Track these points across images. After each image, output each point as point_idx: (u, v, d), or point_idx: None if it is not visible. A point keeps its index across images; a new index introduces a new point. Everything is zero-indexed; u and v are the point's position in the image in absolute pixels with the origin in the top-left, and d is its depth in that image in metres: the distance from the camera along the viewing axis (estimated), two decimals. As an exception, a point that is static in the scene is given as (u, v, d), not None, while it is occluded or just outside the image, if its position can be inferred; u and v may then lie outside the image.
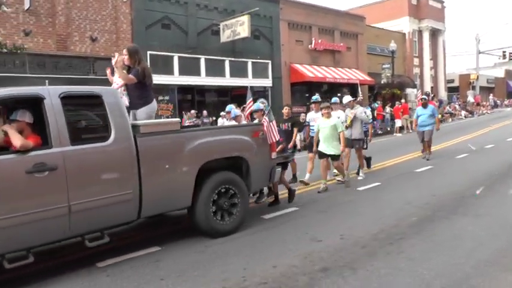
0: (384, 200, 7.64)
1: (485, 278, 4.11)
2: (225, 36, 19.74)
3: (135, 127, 5.34)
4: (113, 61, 5.99)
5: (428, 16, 37.51)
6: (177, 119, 6.05)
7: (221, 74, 20.60)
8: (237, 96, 20.98)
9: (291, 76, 23.83)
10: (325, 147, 8.78)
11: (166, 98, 18.84)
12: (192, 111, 18.28)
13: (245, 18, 18.83)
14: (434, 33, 39.35)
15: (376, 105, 26.38)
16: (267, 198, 8.00)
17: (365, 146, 10.51)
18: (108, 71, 6.44)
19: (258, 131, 6.60)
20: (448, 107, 33.98)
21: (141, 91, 5.93)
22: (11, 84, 13.75)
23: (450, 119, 31.48)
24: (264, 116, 6.96)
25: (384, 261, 4.59)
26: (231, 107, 9.06)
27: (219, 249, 5.39)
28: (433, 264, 4.45)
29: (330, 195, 8.32)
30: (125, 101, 5.88)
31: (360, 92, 23.57)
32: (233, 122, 8.38)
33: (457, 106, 36.50)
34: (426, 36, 37.81)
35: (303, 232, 5.88)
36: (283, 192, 7.93)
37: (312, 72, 24.16)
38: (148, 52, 17.78)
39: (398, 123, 23.95)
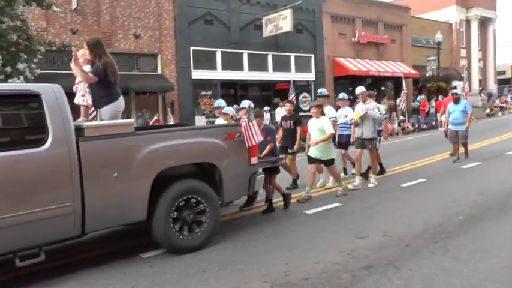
0: (429, 197, 7.43)
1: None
2: (268, 30, 19.76)
3: (79, 130, 4.76)
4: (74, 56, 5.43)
5: (477, 4, 35.74)
6: (131, 120, 5.20)
7: (264, 68, 20.65)
8: (280, 90, 21.02)
9: (334, 70, 23.60)
10: (314, 151, 7.79)
11: (209, 93, 19.10)
12: (235, 106, 18.40)
13: (288, 12, 18.77)
14: (484, 23, 37.55)
15: (419, 98, 25.73)
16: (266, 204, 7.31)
17: (370, 146, 9.21)
18: (72, 64, 5.54)
19: (233, 133, 5.75)
20: (497, 101, 32.59)
21: (104, 89, 5.40)
22: (59, 80, 14.39)
23: (500, 113, 30.18)
24: (243, 116, 6.02)
25: (429, 261, 4.46)
26: (220, 102, 8.33)
27: (260, 243, 5.42)
28: (481, 266, 4.28)
29: (374, 191, 8.18)
30: (88, 99, 5.51)
31: (405, 86, 23.15)
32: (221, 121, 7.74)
33: (509, 99, 34.90)
34: (475, 25, 36.17)
35: (346, 228, 5.83)
36: (277, 200, 7.17)
37: (355, 65, 23.82)
38: (191, 48, 18.09)
39: (443, 117, 23.18)
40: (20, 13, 10.91)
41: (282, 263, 4.65)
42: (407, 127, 22.06)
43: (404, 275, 4.14)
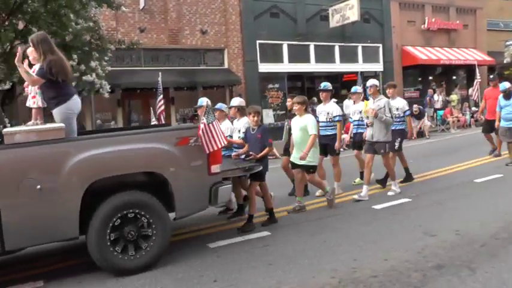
0: (506, 194, 7.00)
1: None
2: (334, 21, 19.45)
3: None
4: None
5: None
6: (60, 124, 4.67)
7: (331, 60, 20.38)
8: (347, 82, 20.66)
9: (402, 59, 22.75)
10: (296, 155, 6.85)
11: (276, 86, 19.18)
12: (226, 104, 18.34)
13: (354, 2, 18.33)
14: None
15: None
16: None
17: (397, 147, 8.27)
18: (21, 63, 4.86)
19: (187, 137, 4.98)
20: None
21: (53, 90, 4.89)
22: (127, 76, 15.10)
23: None
24: (202, 117, 5.20)
25: (508, 264, 4.20)
26: (202, 101, 7.27)
27: (328, 238, 5.39)
28: None
29: (445, 186, 7.86)
30: (38, 101, 5.02)
31: (478, 74, 21.90)
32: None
33: None
34: None
35: (415, 225, 5.65)
36: (278, 210, 6.49)
37: (425, 54, 22.82)
38: (258, 41, 18.23)
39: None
40: (92, 15, 11.57)
41: (349, 259, 4.60)
42: (481, 118, 20.86)
43: (479, 278, 3.93)
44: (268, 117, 18.76)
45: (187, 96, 17.24)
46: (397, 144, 8.24)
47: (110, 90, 12.69)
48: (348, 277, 4.15)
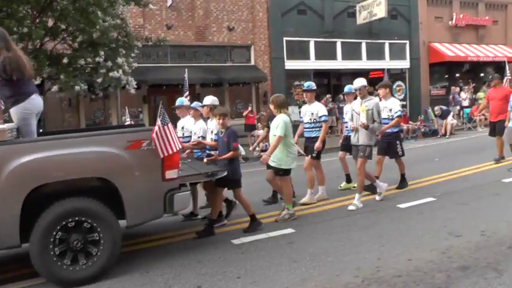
0: (536, 195, 6.90)
1: None
2: (362, 17, 19.38)
3: None
4: None
5: None
6: (2, 126, 4.37)
7: (357, 57, 20.35)
8: (374, 79, 20.51)
9: (429, 56, 22.52)
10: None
11: (302, 83, 19.12)
12: (328, 96, 18.35)
13: (382, -2, 18.20)
14: None
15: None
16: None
17: (400, 153, 7.82)
18: None
19: (140, 141, 4.68)
20: None
21: (9, 88, 4.67)
22: (154, 72, 15.32)
23: None
24: (158, 119, 4.80)
25: (536, 266, 4.15)
26: (182, 101, 7.37)
27: (353, 237, 5.41)
28: None
29: (471, 186, 7.77)
30: None
31: (508, 71, 21.36)
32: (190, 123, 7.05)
33: None
34: None
35: (440, 225, 5.62)
36: (262, 216, 6.28)
37: (452, 51, 22.46)
38: (284, 38, 18.31)
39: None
40: (120, 12, 11.78)
41: (374, 258, 4.62)
42: (475, 116, 20.39)
43: (506, 281, 3.87)
44: (294, 114, 18.70)
45: (213, 93, 17.01)
46: (399, 151, 7.78)
47: (136, 87, 12.92)
48: (371, 276, 4.16)
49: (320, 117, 7.41)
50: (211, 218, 6.00)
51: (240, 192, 6.01)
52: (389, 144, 7.74)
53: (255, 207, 6.33)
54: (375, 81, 19.94)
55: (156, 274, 4.59)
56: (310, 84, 7.73)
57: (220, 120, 5.98)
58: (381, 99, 7.82)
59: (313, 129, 7.46)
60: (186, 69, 14.21)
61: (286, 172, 6.42)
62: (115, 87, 12.31)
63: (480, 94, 22.12)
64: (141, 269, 4.74)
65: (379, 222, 5.96)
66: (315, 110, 7.46)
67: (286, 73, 18.49)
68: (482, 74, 25.35)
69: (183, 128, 7.26)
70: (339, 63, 19.87)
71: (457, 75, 24.06)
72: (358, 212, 6.56)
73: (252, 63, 17.99)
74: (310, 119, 7.52)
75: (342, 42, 19.75)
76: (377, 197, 7.16)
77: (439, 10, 23.07)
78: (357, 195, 6.83)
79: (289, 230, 5.79)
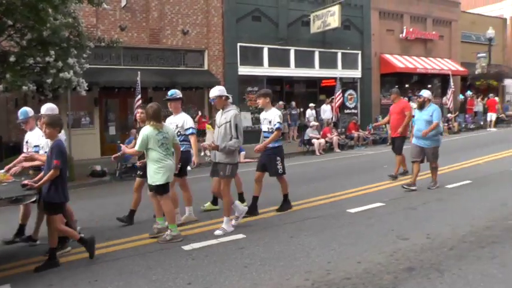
0: (476, 199, 7.25)
1: None
2: (316, 27, 19.69)
3: None
4: None
5: (536, -2, 34.05)
6: None
7: (310, 65, 20.63)
8: (326, 87, 20.94)
9: (380, 67, 23.23)
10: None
11: (256, 89, 19.23)
12: (280, 102, 18.53)
13: (336, 8, 18.62)
14: (542, 18, 35.62)
15: (462, 97, 24.92)
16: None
17: (280, 170, 6.90)
18: None
19: None
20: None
21: None
22: (106, 74, 14.93)
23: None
24: None
25: (474, 266, 4.38)
26: (26, 112, 6.41)
27: (303, 241, 5.45)
28: (532, 273, 4.14)
29: (419, 192, 8.03)
30: None
31: (452, 83, 22.47)
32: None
33: None
34: (532, 21, 34.37)
35: (388, 229, 5.78)
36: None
37: (402, 62, 23.34)
38: (239, 44, 18.30)
39: (492, 116, 22.44)
40: (72, 10, 11.38)
41: (324, 261, 4.68)
42: (454, 126, 21.45)
43: (447, 280, 4.08)
44: (246, 120, 18.85)
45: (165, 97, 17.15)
46: (279, 167, 6.86)
47: (87, 88, 12.51)
48: (321, 279, 4.21)
49: (274, 125, 6.83)
50: (51, 247, 5.04)
51: (54, 221, 4.97)
52: (269, 161, 6.89)
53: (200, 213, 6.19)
54: (327, 89, 20.44)
55: (106, 282, 4.46)
56: (174, 92, 6.89)
57: (47, 130, 5.02)
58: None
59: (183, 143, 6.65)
60: (139, 72, 13.95)
61: (164, 189, 5.79)
62: (65, 89, 11.79)
63: (273, 114, 23.03)
64: (89, 278, 4.58)
65: (329, 227, 6.04)
66: (272, 116, 6.89)
67: (240, 79, 18.50)
68: (429, 85, 26.46)
69: (27, 142, 6.26)
70: (292, 71, 20.11)
71: (407, 85, 24.99)
72: (308, 217, 6.60)
73: (206, 68, 17.88)
74: (268, 128, 6.96)
75: (296, 50, 19.98)
76: (233, 221, 6.17)
77: (391, 23, 23.92)
78: (225, 219, 6.02)
79: (240, 236, 5.77)
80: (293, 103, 19.28)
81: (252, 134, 18.26)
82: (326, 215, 6.71)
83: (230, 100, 6.41)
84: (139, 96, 13.78)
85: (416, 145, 8.22)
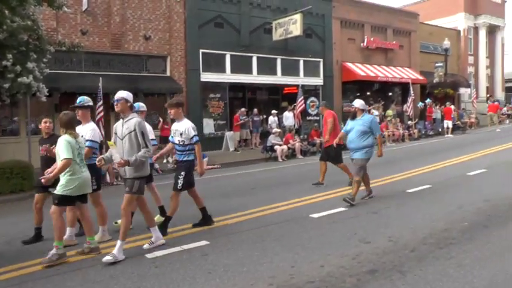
0: (435, 203, 7.45)
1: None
2: (278, 34, 19.84)
3: None
4: None
5: (485, 12, 35.76)
6: None
7: (273, 72, 20.74)
8: (288, 94, 21.11)
9: (342, 75, 23.66)
10: None
11: (218, 95, 19.25)
12: (243, 109, 18.53)
13: (298, 17, 18.84)
14: (492, 30, 37.49)
15: (421, 104, 25.72)
16: None
17: (180, 185, 6.26)
18: None
19: None
20: (504, 108, 32.53)
21: None
22: (68, 80, 14.52)
23: (507, 121, 30.23)
24: None
25: (433, 267, 4.50)
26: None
27: (267, 246, 5.45)
28: (485, 273, 4.31)
29: (380, 196, 8.18)
30: None
31: (412, 92, 23.16)
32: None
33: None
34: (483, 33, 36.10)
35: (351, 232, 5.86)
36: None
37: (363, 71, 23.86)
38: (201, 50, 18.21)
39: (448, 124, 23.24)
40: (31, 13, 11.02)
41: (287, 266, 4.68)
42: (414, 133, 22.06)
43: (409, 281, 4.17)
44: (208, 126, 18.77)
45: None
46: (180, 182, 6.22)
47: (47, 94, 12.14)
48: (285, 284, 4.21)
49: (191, 138, 6.27)
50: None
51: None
52: (176, 172, 6.47)
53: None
54: (290, 96, 20.63)
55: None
56: (83, 99, 6.39)
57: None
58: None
59: (184, 153, 6.35)
60: (101, 78, 13.65)
61: (67, 201, 5.45)
62: (24, 94, 11.36)
63: (388, 112, 23.75)
64: None
65: (293, 232, 6.06)
66: (184, 128, 6.29)
67: (202, 85, 18.40)
68: (390, 93, 27.20)
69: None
70: (254, 78, 20.16)
71: (368, 93, 25.56)
72: (272, 223, 6.60)
73: (168, 74, 17.67)
74: (179, 141, 6.35)
75: (258, 57, 20.07)
76: (145, 246, 5.64)
77: (352, 32, 24.45)
78: (118, 243, 5.25)
79: (204, 242, 5.69)
80: (255, 110, 19.33)
81: (214, 141, 18.30)
82: (289, 220, 6.72)
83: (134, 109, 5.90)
84: (101, 102, 13.48)
85: (351, 158, 7.95)
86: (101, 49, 15.91)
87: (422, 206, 7.30)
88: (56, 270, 4.95)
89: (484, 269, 4.40)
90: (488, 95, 35.58)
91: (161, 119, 16.33)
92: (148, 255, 5.28)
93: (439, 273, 4.32)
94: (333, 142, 9.23)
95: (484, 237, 5.45)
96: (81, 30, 15.42)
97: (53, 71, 13.35)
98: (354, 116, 8.07)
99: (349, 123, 8.12)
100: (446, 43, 27.61)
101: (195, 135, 6.30)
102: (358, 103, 8.12)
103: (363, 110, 8.05)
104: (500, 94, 38.34)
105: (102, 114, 13.53)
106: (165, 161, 15.37)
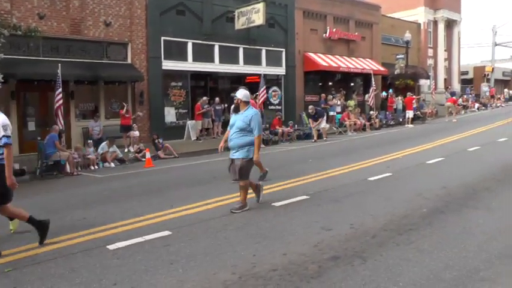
0: (395, 190, 7.62)
1: (497, 271, 4.10)
2: (240, 23, 19.69)
3: None
4: None
5: (444, 6, 36.94)
6: None
7: (235, 61, 20.60)
8: (250, 83, 21.05)
9: (304, 65, 23.77)
10: None
11: (180, 84, 18.97)
12: (204, 98, 18.35)
13: (260, 6, 18.74)
14: (450, 24, 38.75)
15: (384, 94, 26.34)
16: None
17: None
18: None
19: None
20: (460, 100, 33.74)
21: None
22: (24, 66, 13.93)
23: (463, 111, 31.35)
24: None
25: (393, 252, 4.60)
26: None
27: (229, 236, 5.42)
28: (442, 256, 4.45)
29: (341, 184, 8.29)
30: None
31: (373, 82, 23.61)
32: None
33: (470, 98, 36.24)
34: (441, 27, 37.25)
35: (313, 221, 5.89)
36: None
37: (325, 61, 24.06)
38: (162, 38, 17.85)
39: (409, 114, 23.85)
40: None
41: (250, 255, 4.68)
42: (375, 123, 22.51)
43: (369, 266, 4.24)
44: (170, 115, 18.52)
45: (88, 91, 16.38)
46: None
47: (2, 80, 11.63)
48: (248, 272, 4.21)
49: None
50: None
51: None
52: None
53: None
54: (252, 85, 20.60)
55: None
56: None
57: None
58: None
59: None
60: (60, 64, 13.19)
61: None
62: (-23, 80, 10.88)
63: (350, 102, 24.13)
64: (7, 285, 4.24)
65: (255, 221, 6.05)
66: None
67: (163, 73, 18.07)
68: (352, 84, 27.62)
69: None
70: (217, 66, 19.97)
71: (330, 83, 25.85)
72: (234, 212, 6.55)
73: (129, 61, 17.22)
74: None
75: (220, 46, 19.87)
76: None
77: (315, 23, 24.59)
78: None
79: (166, 233, 5.62)
80: (217, 99, 19.19)
81: (176, 130, 18.08)
82: (251, 209, 6.70)
83: None
84: (60, 89, 13.04)
85: (230, 158, 6.76)
86: (59, 34, 15.31)
87: (383, 193, 7.44)
88: (14, 264, 4.76)
89: (441, 252, 4.55)
90: (447, 87, 36.82)
91: (125, 105, 15.89)
92: (110, 247, 5.16)
93: (398, 257, 4.42)
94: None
95: (441, 222, 5.63)
96: (38, 14, 14.76)
97: (9, 57, 12.78)
98: (236, 109, 6.90)
99: (232, 118, 6.93)
100: (408, 36, 28.23)
101: (5, 136, 4.94)
102: (241, 94, 6.75)
103: (246, 103, 6.72)
104: (456, 86, 39.73)
105: (61, 102, 13.11)
106: (126, 150, 15.08)
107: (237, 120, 6.65)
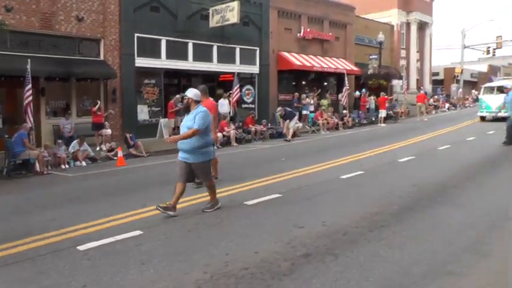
0: (367, 188, 7.72)
1: (463, 265, 4.21)
2: (214, 21, 19.56)
3: None
4: None
5: (416, 9, 37.81)
6: None
7: (209, 59, 20.45)
8: (224, 82, 20.96)
9: (278, 64, 23.80)
10: None
11: (153, 81, 18.72)
12: (178, 96, 18.17)
13: (235, 4, 18.64)
14: (422, 26, 39.66)
15: (358, 93, 26.66)
16: None
17: None
18: None
19: None
20: (431, 100, 34.54)
21: None
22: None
23: (434, 111, 32.09)
24: None
25: (365, 248, 4.66)
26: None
27: (202, 235, 5.39)
28: (412, 251, 4.54)
29: (313, 182, 8.35)
30: None
31: (347, 82, 23.88)
32: None
33: (441, 98, 37.14)
34: (414, 28, 38.08)
35: (285, 218, 5.92)
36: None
37: (299, 60, 24.16)
38: (136, 34, 17.58)
39: (382, 113, 24.22)
40: None
41: (222, 254, 4.66)
42: (348, 122, 22.77)
43: (341, 262, 4.29)
44: (143, 113, 18.30)
45: (59, 88, 15.98)
46: None
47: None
48: (220, 271, 4.19)
49: None
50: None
51: None
52: None
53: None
54: (225, 83, 20.56)
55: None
56: None
57: None
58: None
59: None
60: (29, 60, 12.82)
61: None
62: None
63: (323, 101, 24.31)
64: None
65: (227, 219, 6.03)
66: None
67: (137, 71, 17.78)
68: (325, 83, 27.85)
69: None
70: (190, 64, 19.78)
71: (304, 82, 26.01)
72: (206, 211, 6.49)
73: (102, 58, 16.87)
74: None
75: (194, 44, 19.69)
76: None
77: (289, 22, 24.67)
78: None
79: (137, 232, 5.53)
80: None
81: (149, 128, 17.87)
82: (224, 207, 6.66)
83: None
84: (30, 86, 12.69)
85: (180, 160, 6.41)
86: (28, 29, 14.87)
87: (355, 191, 7.53)
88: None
89: (411, 248, 4.64)
90: (420, 87, 37.62)
91: (98, 103, 15.56)
92: (80, 247, 5.04)
93: (370, 254, 4.48)
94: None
95: (411, 219, 5.74)
96: (5, 7, 14.26)
97: (-27, 51, 12.37)
98: (187, 109, 6.50)
99: (184, 119, 6.61)
100: (381, 37, 28.66)
101: None
102: (191, 92, 6.45)
103: (197, 102, 6.44)
104: (428, 86, 40.63)
105: (30, 99, 12.77)
106: (98, 148, 14.83)
107: (187, 120, 6.35)
